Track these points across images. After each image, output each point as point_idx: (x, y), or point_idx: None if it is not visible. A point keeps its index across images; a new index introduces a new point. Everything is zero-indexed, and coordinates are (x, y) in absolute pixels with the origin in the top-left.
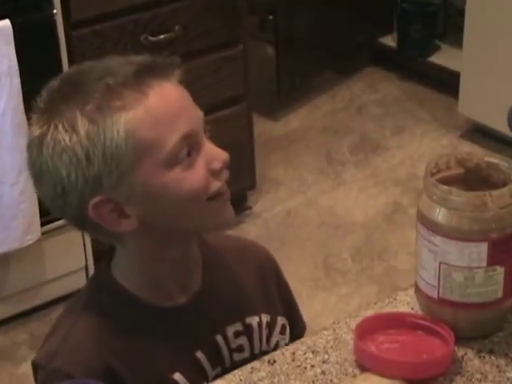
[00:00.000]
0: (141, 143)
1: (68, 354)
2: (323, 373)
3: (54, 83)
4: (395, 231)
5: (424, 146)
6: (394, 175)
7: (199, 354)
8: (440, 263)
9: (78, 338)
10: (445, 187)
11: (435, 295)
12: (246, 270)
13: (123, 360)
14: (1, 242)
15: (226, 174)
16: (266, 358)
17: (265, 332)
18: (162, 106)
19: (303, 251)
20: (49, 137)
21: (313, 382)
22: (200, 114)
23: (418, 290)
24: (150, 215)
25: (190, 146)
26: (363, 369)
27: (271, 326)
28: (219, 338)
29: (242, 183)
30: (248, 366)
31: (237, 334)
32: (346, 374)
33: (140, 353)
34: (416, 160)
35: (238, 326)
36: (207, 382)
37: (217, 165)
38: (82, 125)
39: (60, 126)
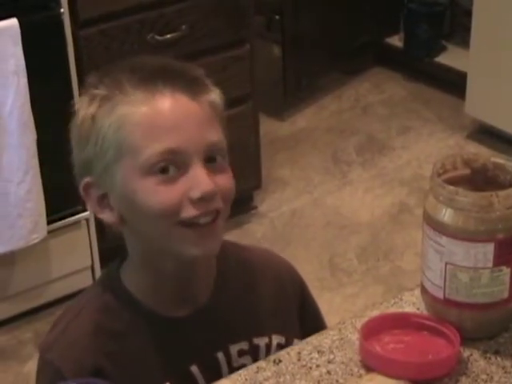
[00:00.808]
0: (124, 142)
1: (62, 349)
2: (329, 373)
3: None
4: (401, 231)
5: (430, 146)
6: (400, 175)
7: (194, 368)
8: (446, 264)
9: (75, 334)
10: (451, 187)
11: (441, 296)
12: (265, 288)
13: (115, 363)
14: (6, 241)
15: (211, 206)
16: (272, 357)
17: (274, 353)
18: (160, 114)
19: (309, 251)
20: (77, 106)
21: (318, 381)
22: (209, 140)
23: (423, 290)
24: (127, 216)
25: (170, 163)
26: (369, 369)
27: (286, 347)
28: (220, 355)
29: (247, 183)
30: (254, 366)
31: (241, 353)
32: (352, 374)
33: (133, 358)
34: (422, 160)
35: (244, 345)
36: None
37: (194, 194)
38: (94, 107)
39: (84, 101)
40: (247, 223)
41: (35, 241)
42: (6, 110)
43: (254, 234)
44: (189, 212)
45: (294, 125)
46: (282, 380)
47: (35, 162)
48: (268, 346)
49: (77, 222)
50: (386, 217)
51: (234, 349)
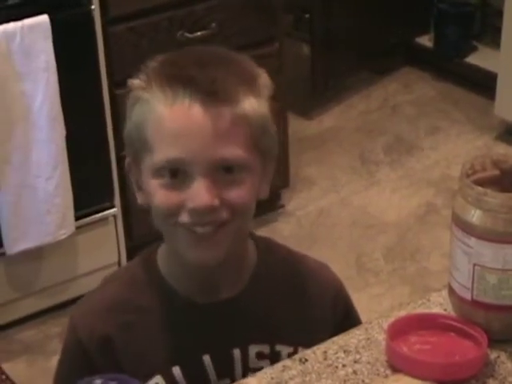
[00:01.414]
0: (145, 137)
1: (82, 311)
2: (355, 372)
3: None
4: (428, 232)
5: (458, 147)
6: (427, 176)
7: (206, 358)
8: (474, 265)
9: (96, 302)
10: (480, 188)
11: (468, 297)
12: (307, 299)
13: (127, 336)
14: (35, 236)
15: (206, 219)
16: (298, 356)
17: None
18: (174, 121)
19: (335, 250)
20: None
21: (344, 381)
22: (219, 155)
23: (451, 291)
24: (150, 204)
25: (177, 170)
26: (395, 369)
27: None
28: (236, 351)
29: (275, 182)
30: (279, 365)
31: (260, 356)
32: (378, 375)
33: (146, 334)
34: (450, 161)
35: (265, 349)
36: None
37: (189, 204)
38: (133, 92)
39: (134, 81)
40: (274, 222)
41: (63, 236)
42: (36, 106)
43: (280, 232)
44: (183, 218)
45: (322, 124)
46: (307, 379)
47: (64, 157)
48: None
49: (104, 219)
50: (413, 217)
51: (253, 349)
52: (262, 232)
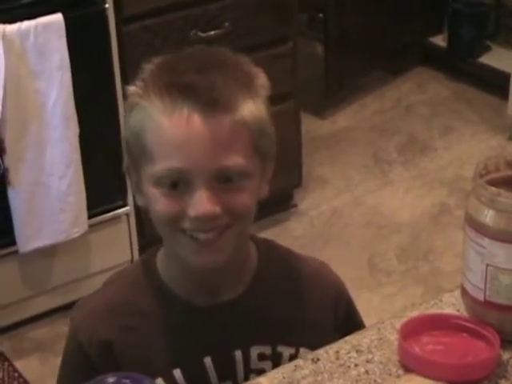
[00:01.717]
0: (145, 145)
1: (83, 313)
2: (367, 372)
3: None
4: (441, 232)
5: (472, 147)
6: (441, 176)
7: (207, 360)
8: (487, 265)
9: (97, 303)
10: (493, 189)
11: (481, 297)
12: (308, 299)
13: (128, 338)
14: (48, 234)
15: (208, 226)
16: (310, 356)
17: None
18: (173, 130)
19: (348, 250)
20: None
21: (356, 381)
22: (220, 164)
23: (464, 291)
24: (149, 209)
25: (178, 180)
26: (407, 369)
27: None
28: (238, 353)
29: (288, 181)
30: (291, 364)
31: (262, 357)
32: (390, 375)
33: (148, 337)
34: (463, 161)
35: (267, 350)
36: None
37: (189, 213)
38: (130, 97)
39: (131, 86)
40: (287, 221)
41: (76, 235)
42: (50, 104)
43: (293, 231)
44: (184, 224)
45: (335, 123)
46: (319, 378)
47: (77, 156)
48: (293, 357)
49: (117, 217)
50: (426, 217)
51: (254, 351)
52: (274, 231)
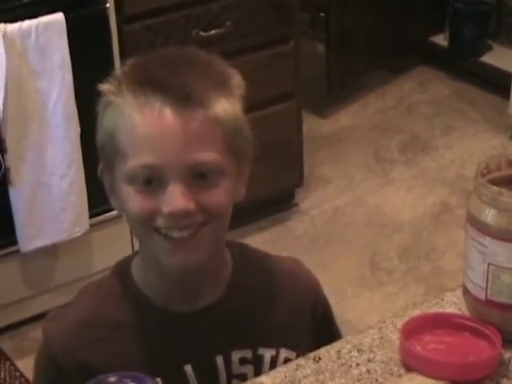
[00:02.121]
0: (117, 144)
1: (57, 329)
2: (368, 371)
3: None
4: (443, 231)
5: (474, 146)
6: (442, 175)
7: (188, 368)
8: (489, 264)
9: (71, 319)
10: (495, 188)
11: (483, 297)
12: (284, 300)
13: (103, 351)
14: (49, 234)
15: (183, 223)
16: (312, 355)
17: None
18: (145, 127)
19: (349, 249)
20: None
21: (358, 380)
22: (194, 160)
23: (465, 291)
24: (124, 210)
25: (152, 176)
26: (409, 369)
27: None
28: (219, 359)
29: (289, 180)
30: (293, 363)
31: (243, 361)
32: (392, 374)
33: (125, 348)
34: (465, 160)
35: (247, 354)
36: None
37: (164, 209)
38: (104, 97)
39: (105, 86)
40: (288, 220)
41: (77, 234)
42: (51, 103)
43: (294, 231)
44: (158, 222)
45: (337, 123)
46: (321, 378)
47: (78, 155)
48: (274, 359)
49: (118, 216)
50: (428, 216)
51: (236, 355)
52: (275, 231)
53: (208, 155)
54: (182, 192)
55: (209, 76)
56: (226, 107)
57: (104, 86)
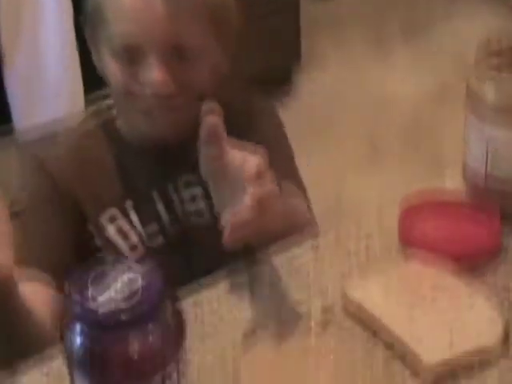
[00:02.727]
0: (100, 8)
1: (53, 157)
2: (367, 257)
3: None
4: (443, 112)
5: (475, 26)
6: (443, 54)
7: (155, 194)
8: (488, 141)
9: (62, 148)
10: (495, 63)
11: (483, 172)
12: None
13: (86, 178)
14: (45, 113)
15: (161, 103)
16: (309, 242)
17: None
18: None
19: (349, 132)
20: None
21: (357, 265)
22: (175, 38)
23: (465, 169)
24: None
25: (131, 47)
26: (408, 249)
27: None
28: (170, 186)
29: (287, 58)
30: (289, 253)
31: (188, 185)
32: (393, 257)
33: (103, 177)
34: (466, 39)
35: (191, 178)
36: (157, 221)
37: (145, 78)
38: None
39: None
40: (286, 102)
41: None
42: None
43: (295, 115)
44: (134, 86)
45: (339, 4)
46: (319, 264)
47: (72, 36)
48: None
49: None
50: (429, 95)
51: (181, 180)
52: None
53: (190, 35)
54: (163, 72)
55: None
56: None
57: None
